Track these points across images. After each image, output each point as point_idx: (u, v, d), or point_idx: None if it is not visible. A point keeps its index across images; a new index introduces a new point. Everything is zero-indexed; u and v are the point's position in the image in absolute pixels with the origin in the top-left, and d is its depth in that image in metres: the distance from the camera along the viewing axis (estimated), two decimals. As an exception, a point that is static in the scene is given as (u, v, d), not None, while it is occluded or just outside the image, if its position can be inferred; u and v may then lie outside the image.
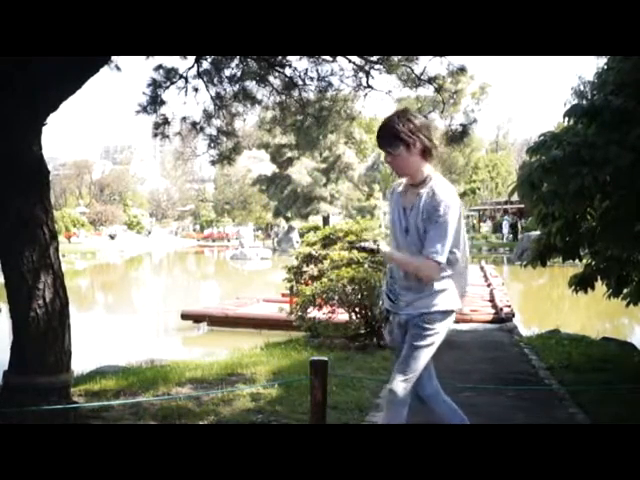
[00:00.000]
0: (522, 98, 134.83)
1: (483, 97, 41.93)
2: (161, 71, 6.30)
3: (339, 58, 6.30)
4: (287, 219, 44.89)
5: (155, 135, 6.75)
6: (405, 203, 2.74)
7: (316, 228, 19.29)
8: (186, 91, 6.42)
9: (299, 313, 7.82)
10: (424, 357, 2.70)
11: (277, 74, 6.55)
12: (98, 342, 10.14)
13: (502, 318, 10.03)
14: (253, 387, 5.10)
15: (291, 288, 8.69)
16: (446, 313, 2.71)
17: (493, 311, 10.72)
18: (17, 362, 3.96)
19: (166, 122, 6.64)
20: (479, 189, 55.38)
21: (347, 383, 5.14)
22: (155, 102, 6.38)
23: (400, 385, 2.70)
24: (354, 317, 7.73)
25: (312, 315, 7.75)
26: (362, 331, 7.77)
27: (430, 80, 6.51)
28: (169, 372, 5.86)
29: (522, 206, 32.79)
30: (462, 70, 6.41)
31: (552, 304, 16.98)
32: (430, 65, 6.49)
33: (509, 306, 10.80)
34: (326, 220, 40.35)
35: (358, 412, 4.45)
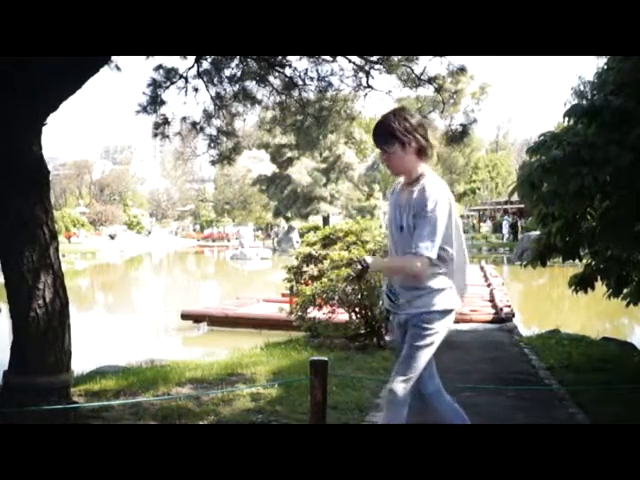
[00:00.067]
0: (522, 98, 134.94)
1: (483, 97, 41.96)
2: (161, 71, 6.30)
3: (339, 58, 6.30)
4: (287, 219, 44.89)
5: (155, 135, 6.75)
6: (400, 202, 2.75)
7: (316, 228, 19.31)
8: (186, 91, 6.42)
9: (299, 313, 7.82)
10: (424, 357, 2.70)
11: (277, 74, 6.55)
12: (98, 342, 10.14)
13: (502, 318, 10.03)
14: (253, 387, 5.10)
15: (291, 288, 8.69)
16: (445, 312, 2.70)
17: (493, 311, 10.72)
18: (17, 362, 3.96)
19: (166, 122, 6.64)
20: (479, 189, 55.40)
21: (347, 383, 5.14)
22: (155, 102, 6.38)
23: (400, 385, 2.70)
24: (354, 317, 7.73)
25: (312, 315, 7.75)
26: (362, 331, 7.77)
27: (430, 80, 6.51)
28: (169, 372, 5.86)
29: (522, 206, 32.80)
30: (462, 70, 6.41)
31: (552, 304, 16.98)
32: (430, 65, 6.50)
33: (509, 306, 10.80)
34: (326, 220, 40.37)
35: (358, 412, 4.45)
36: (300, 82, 6.58)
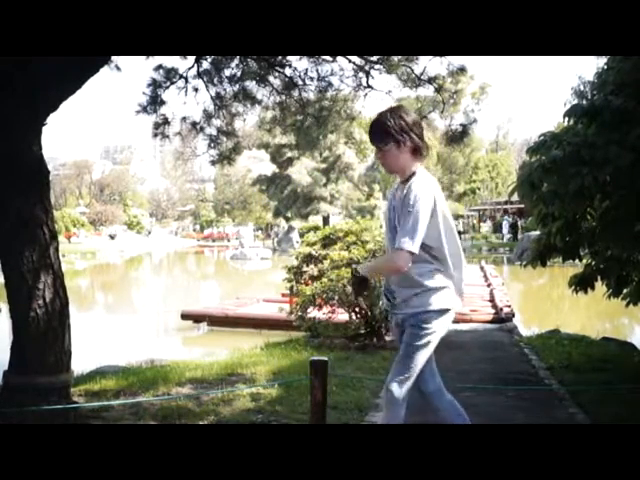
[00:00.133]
0: (522, 98, 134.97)
1: (483, 97, 41.96)
2: (161, 71, 6.30)
3: (339, 58, 6.30)
4: (287, 219, 44.90)
5: (155, 135, 6.75)
6: (394, 202, 2.76)
7: (316, 228, 19.30)
8: (186, 91, 6.42)
9: (299, 313, 7.82)
10: (421, 356, 2.69)
11: (277, 74, 6.55)
12: (98, 342, 10.14)
13: (502, 318, 10.03)
14: (253, 387, 5.10)
15: (291, 288, 8.69)
16: (442, 312, 2.69)
17: (493, 311, 10.72)
18: (17, 362, 3.96)
19: (166, 122, 6.65)
20: (479, 189, 55.43)
21: (347, 383, 5.14)
22: (155, 102, 6.38)
23: (397, 384, 2.70)
24: (354, 317, 7.73)
25: (312, 315, 7.75)
26: (362, 331, 7.77)
27: (430, 80, 6.51)
28: (169, 372, 5.86)
29: (522, 206, 32.80)
30: (462, 70, 6.42)
31: (552, 304, 16.98)
32: (430, 65, 6.51)
33: (509, 306, 10.80)
34: (326, 220, 40.37)
35: (358, 412, 4.45)
36: (300, 82, 6.58)
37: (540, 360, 6.56)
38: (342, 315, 7.83)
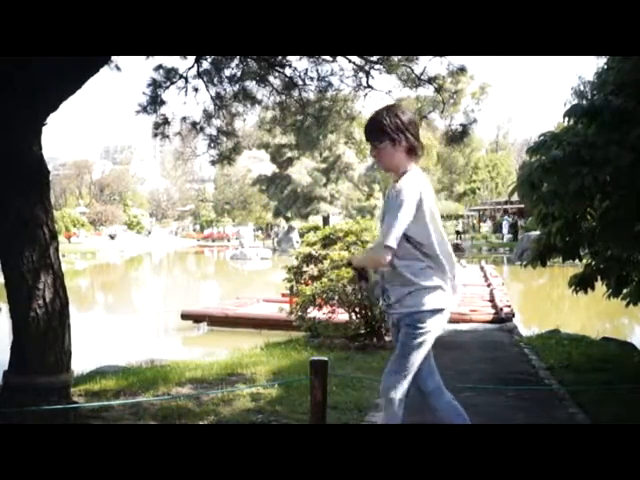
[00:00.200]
0: (522, 98, 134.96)
1: (483, 97, 41.90)
2: (161, 71, 6.30)
3: (339, 58, 6.30)
4: (287, 219, 44.91)
5: (155, 135, 6.75)
6: (386, 198, 2.78)
7: (316, 228, 19.29)
8: (186, 91, 6.42)
9: (299, 313, 7.82)
10: (416, 356, 2.69)
11: (277, 74, 6.55)
12: (98, 342, 10.15)
13: (502, 318, 10.03)
14: (253, 387, 5.10)
15: (291, 288, 8.69)
16: (436, 312, 2.68)
17: (493, 311, 10.72)
18: (17, 362, 3.96)
19: (166, 122, 6.65)
20: (479, 189, 55.46)
21: (347, 383, 5.14)
22: (155, 102, 6.38)
23: (393, 384, 2.70)
24: (354, 317, 7.74)
25: (312, 315, 7.75)
26: (362, 331, 7.77)
27: (430, 80, 6.51)
28: (169, 372, 5.86)
29: (522, 206, 32.82)
30: (462, 70, 6.42)
31: (552, 304, 16.98)
32: (430, 65, 6.51)
33: (509, 306, 10.80)
34: (326, 220, 40.37)
35: (358, 412, 4.45)
36: (300, 82, 6.58)
37: (540, 360, 6.56)
38: (342, 315, 7.83)
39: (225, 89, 6.57)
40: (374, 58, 6.27)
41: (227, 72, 6.43)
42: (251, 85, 6.55)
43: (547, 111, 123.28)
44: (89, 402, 4.60)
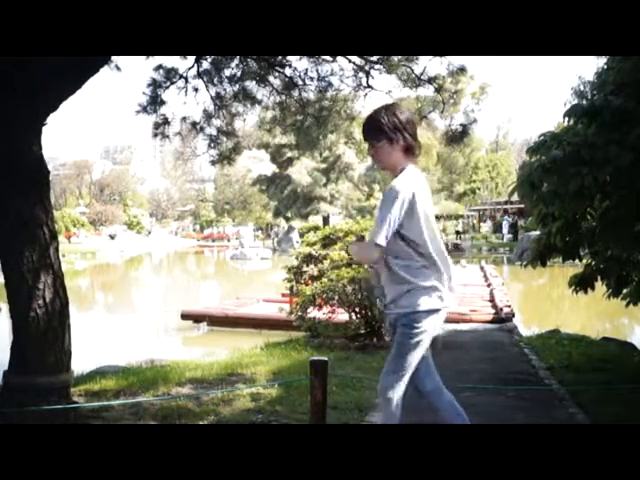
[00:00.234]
0: (522, 98, 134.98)
1: (483, 97, 41.97)
2: (161, 71, 6.30)
3: (339, 58, 6.30)
4: (287, 219, 44.92)
5: (155, 135, 6.75)
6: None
7: (316, 228, 19.29)
8: (186, 91, 6.42)
9: (299, 313, 7.82)
10: (412, 355, 2.69)
11: (277, 74, 6.55)
12: (98, 342, 10.15)
13: (502, 318, 10.03)
14: (253, 387, 5.10)
15: (291, 288, 8.69)
16: (432, 312, 2.67)
17: (493, 311, 10.72)
18: (17, 362, 3.96)
19: (166, 122, 6.64)
20: (479, 189, 55.46)
21: (347, 383, 5.14)
22: (155, 102, 6.38)
23: (391, 384, 2.70)
24: (354, 317, 7.74)
25: (312, 315, 7.75)
26: (362, 331, 7.77)
27: (430, 80, 6.51)
28: (169, 372, 5.86)
29: (522, 206, 32.82)
30: (462, 70, 6.41)
31: (552, 304, 16.98)
32: (430, 65, 6.50)
33: (509, 306, 10.80)
34: (326, 220, 40.38)
35: (358, 412, 4.44)
36: (300, 82, 6.58)
37: (540, 360, 6.56)
38: (342, 315, 7.83)
39: (225, 89, 6.57)
40: (374, 58, 6.26)
41: (227, 72, 6.43)
42: (251, 85, 6.55)
43: (547, 111, 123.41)
44: (89, 402, 4.60)
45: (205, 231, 62.05)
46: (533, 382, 5.56)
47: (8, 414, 3.50)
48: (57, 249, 4.10)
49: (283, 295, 11.42)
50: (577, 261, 5.56)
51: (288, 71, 6.51)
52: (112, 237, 51.59)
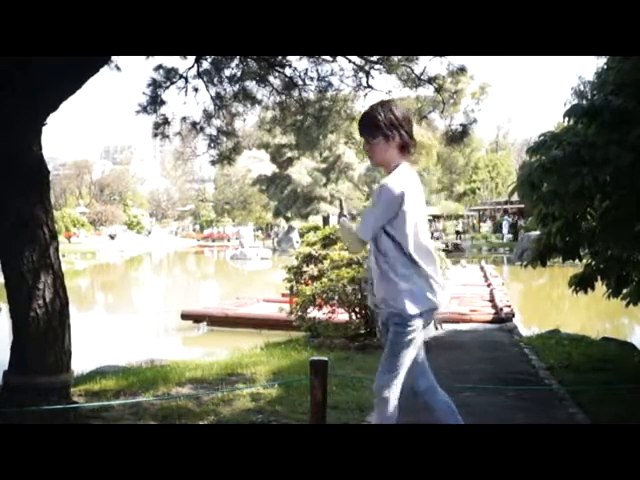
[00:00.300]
0: (522, 98, 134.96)
1: (483, 97, 41.92)
2: (161, 71, 6.30)
3: (339, 58, 6.30)
4: (287, 219, 44.91)
5: (155, 135, 6.75)
6: None
7: (316, 228, 19.27)
8: (186, 91, 6.42)
9: (299, 313, 7.83)
10: (405, 354, 2.69)
11: (277, 74, 6.55)
12: (98, 342, 10.15)
13: (502, 318, 10.03)
14: (253, 387, 5.10)
15: (291, 288, 8.70)
16: (423, 310, 2.67)
17: (493, 311, 10.73)
18: (17, 362, 3.96)
19: (166, 122, 6.64)
20: (479, 189, 55.43)
21: (347, 383, 5.14)
22: (155, 102, 6.38)
23: (386, 384, 2.70)
24: (354, 317, 7.74)
25: (312, 315, 7.75)
26: (362, 331, 7.78)
27: (430, 80, 6.50)
28: (169, 372, 5.86)
29: (522, 206, 32.81)
30: (462, 70, 6.41)
31: (552, 304, 16.98)
32: (430, 65, 6.50)
33: (509, 306, 10.81)
34: (326, 220, 40.36)
35: (358, 412, 4.44)
36: (300, 82, 6.58)
37: (540, 360, 6.56)
38: (342, 315, 7.83)
39: (225, 89, 6.56)
40: (374, 58, 6.26)
41: (227, 72, 6.43)
42: (251, 85, 6.55)
43: (547, 111, 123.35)
44: (89, 402, 4.59)
45: (205, 231, 62.05)
46: (533, 382, 5.56)
47: (8, 414, 3.50)
48: (57, 249, 4.10)
49: (283, 295, 11.42)
50: (577, 261, 5.56)
51: (288, 71, 6.52)
52: (112, 237, 51.59)
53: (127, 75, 6.81)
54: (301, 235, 27.50)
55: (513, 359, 6.85)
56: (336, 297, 7.46)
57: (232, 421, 4.21)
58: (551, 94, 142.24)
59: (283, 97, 6.77)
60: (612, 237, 4.68)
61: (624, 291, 5.39)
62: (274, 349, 7.55)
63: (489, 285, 14.75)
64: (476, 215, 49.66)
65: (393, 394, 2.70)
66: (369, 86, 6.56)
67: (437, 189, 56.85)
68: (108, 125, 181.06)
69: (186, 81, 6.37)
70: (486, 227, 46.67)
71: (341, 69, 6.50)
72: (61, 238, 30.26)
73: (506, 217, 41.35)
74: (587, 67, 79.88)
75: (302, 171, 39.86)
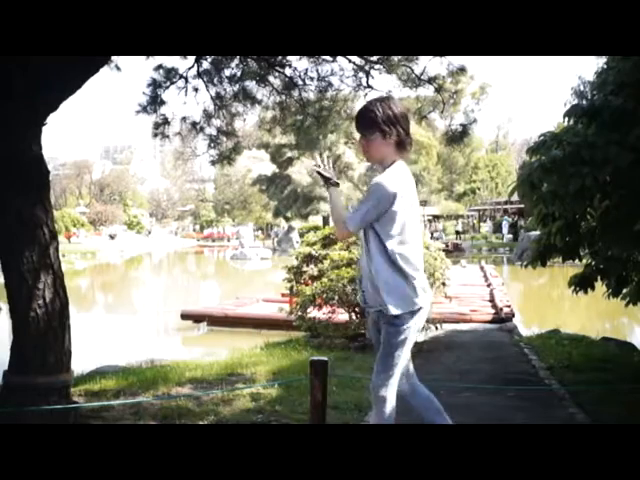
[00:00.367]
0: (522, 98, 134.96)
1: (483, 97, 41.87)
2: (161, 71, 6.30)
3: (339, 58, 6.30)
4: (287, 219, 44.89)
5: (155, 135, 6.75)
6: None
7: (316, 228, 19.29)
8: (186, 91, 6.42)
9: (299, 313, 7.82)
10: (400, 352, 2.70)
11: (277, 74, 6.55)
12: (98, 342, 10.14)
13: (502, 318, 10.04)
14: (253, 387, 5.10)
15: (291, 288, 8.70)
16: (414, 309, 2.68)
17: (493, 311, 10.73)
18: (17, 362, 3.96)
19: (166, 122, 6.65)
20: (479, 189, 55.43)
21: (347, 383, 5.14)
22: (155, 102, 6.38)
23: (382, 384, 2.71)
24: (354, 317, 7.74)
25: (312, 315, 7.75)
26: (362, 331, 7.77)
27: (430, 80, 6.51)
28: (169, 372, 5.85)
29: (522, 206, 32.80)
30: (462, 70, 6.41)
31: (552, 304, 16.98)
32: (430, 65, 6.50)
33: (509, 306, 10.81)
34: (326, 220, 40.35)
35: (358, 412, 4.44)
36: (300, 82, 6.58)
37: (540, 360, 6.56)
38: (342, 315, 7.83)
39: (225, 89, 6.57)
40: (374, 58, 6.26)
41: (227, 72, 6.44)
42: (251, 85, 6.55)
43: (547, 111, 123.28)
44: (89, 402, 4.59)
45: (205, 231, 62.09)
46: (533, 382, 5.56)
47: (8, 414, 3.50)
48: (57, 249, 4.10)
49: (283, 295, 11.42)
50: (577, 261, 5.56)
51: (288, 71, 6.52)
52: (112, 237, 51.59)
53: (127, 75, 6.83)
54: (301, 235, 27.54)
55: (513, 359, 6.85)
56: (336, 297, 7.46)
57: (232, 421, 4.21)
58: (551, 94, 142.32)
59: (283, 97, 6.77)
60: (612, 237, 4.68)
61: (624, 291, 5.39)
62: (274, 349, 7.54)
63: (489, 285, 14.76)
64: (476, 215, 49.68)
65: (390, 393, 2.71)
66: (369, 86, 6.56)
67: (437, 189, 56.84)
68: (108, 125, 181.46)
69: (186, 81, 6.37)
70: (486, 227, 46.66)
71: (341, 69, 6.51)
72: (61, 238, 30.26)
73: (506, 217, 41.35)
74: (587, 67, 79.95)
75: (302, 171, 39.85)
